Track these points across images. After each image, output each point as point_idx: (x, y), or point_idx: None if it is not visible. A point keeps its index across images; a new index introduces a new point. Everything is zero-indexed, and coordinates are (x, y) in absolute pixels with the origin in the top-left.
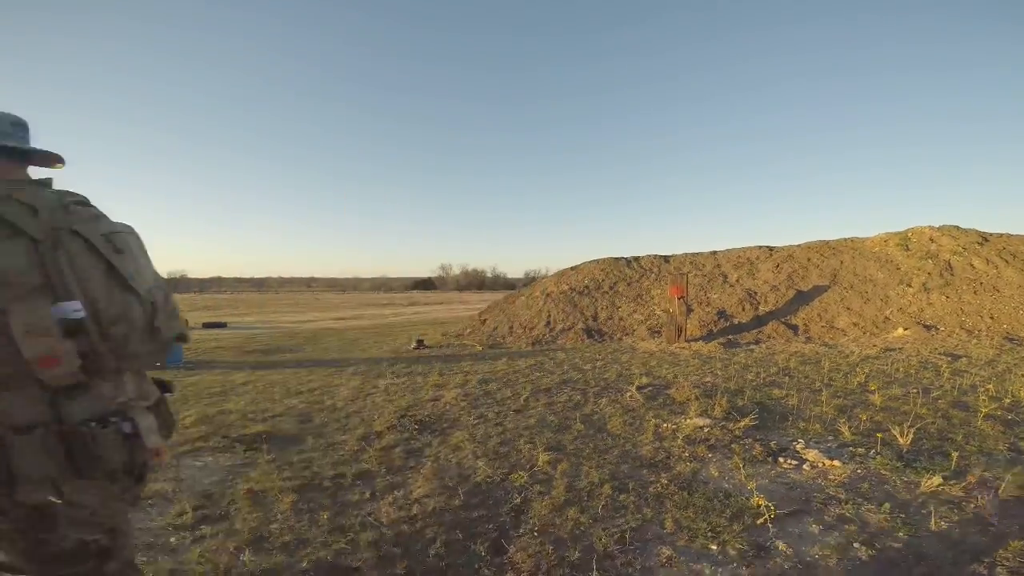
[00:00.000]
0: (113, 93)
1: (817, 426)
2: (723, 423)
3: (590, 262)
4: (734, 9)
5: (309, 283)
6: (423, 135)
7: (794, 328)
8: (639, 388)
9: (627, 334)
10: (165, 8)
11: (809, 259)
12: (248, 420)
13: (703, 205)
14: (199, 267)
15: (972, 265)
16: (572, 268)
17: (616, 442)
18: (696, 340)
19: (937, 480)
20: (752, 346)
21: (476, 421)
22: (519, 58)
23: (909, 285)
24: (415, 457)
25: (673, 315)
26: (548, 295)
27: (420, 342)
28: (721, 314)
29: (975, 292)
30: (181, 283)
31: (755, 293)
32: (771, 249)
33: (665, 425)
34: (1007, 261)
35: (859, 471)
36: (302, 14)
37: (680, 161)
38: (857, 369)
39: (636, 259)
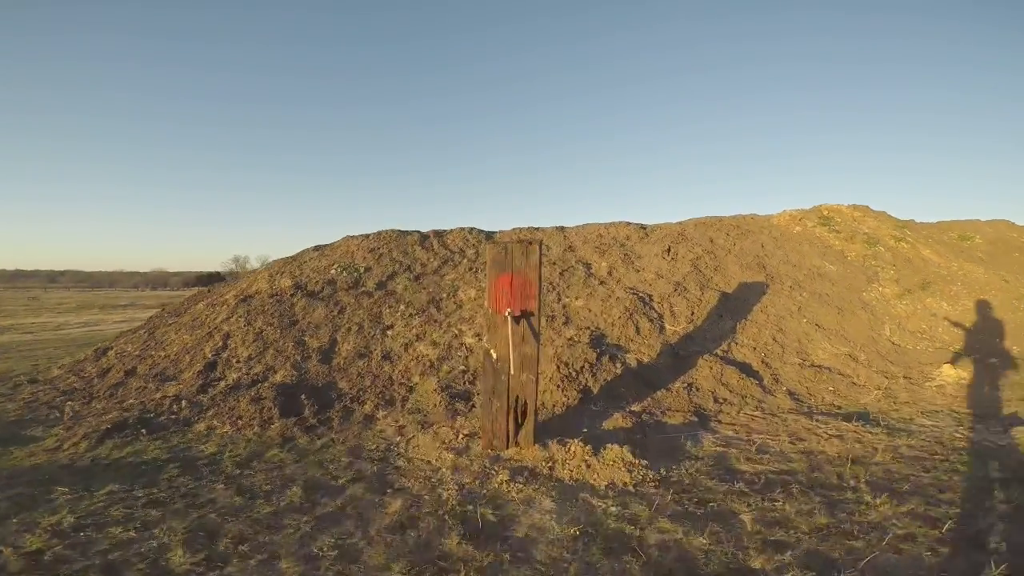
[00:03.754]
0: None
1: None
2: None
3: (355, 237)
4: None
5: (54, 277)
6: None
7: (747, 369)
8: None
9: (389, 403)
10: None
11: (713, 241)
12: None
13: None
14: None
15: (924, 257)
16: (316, 248)
17: None
18: (564, 439)
19: None
20: (701, 439)
21: None
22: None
23: (877, 282)
24: None
25: (502, 361)
26: (246, 299)
27: None
28: (597, 343)
29: (969, 294)
30: None
31: (648, 298)
32: (644, 227)
33: None
34: (953, 252)
35: None
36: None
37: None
38: None
39: (439, 235)
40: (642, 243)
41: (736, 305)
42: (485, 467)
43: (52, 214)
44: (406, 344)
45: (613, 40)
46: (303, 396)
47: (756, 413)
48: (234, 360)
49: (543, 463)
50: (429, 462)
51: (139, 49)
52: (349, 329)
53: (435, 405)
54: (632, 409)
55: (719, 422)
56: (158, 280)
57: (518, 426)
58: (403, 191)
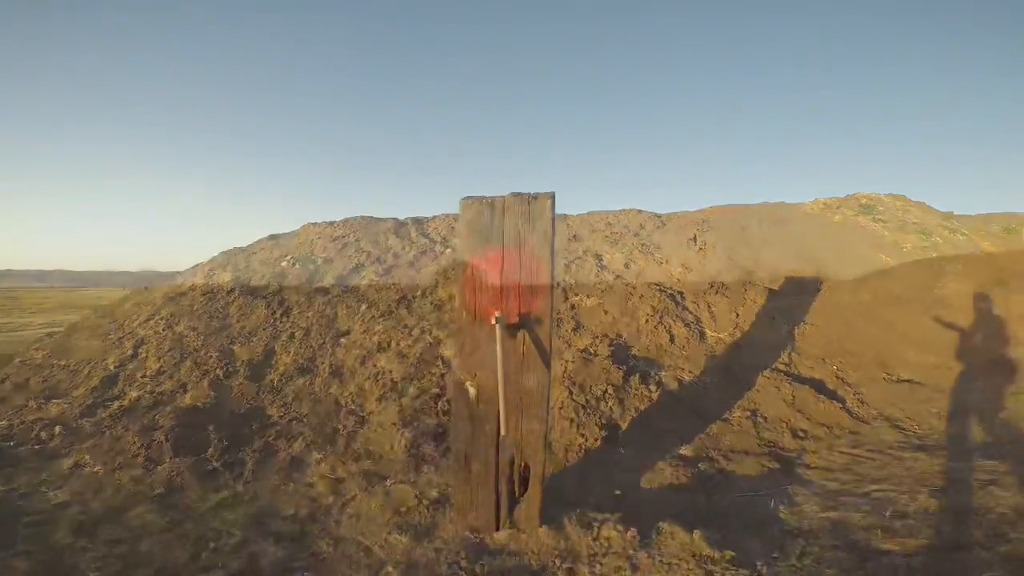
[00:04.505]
0: None
1: None
2: None
3: (317, 224)
4: None
5: (42, 276)
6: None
7: (821, 388)
8: None
9: (329, 441)
10: None
11: (745, 230)
12: None
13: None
14: None
15: (985, 250)
16: (271, 237)
17: None
18: (586, 512)
19: None
20: (796, 498)
21: None
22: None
23: (945, 277)
24: None
25: (486, 401)
26: (175, 297)
27: None
28: (621, 356)
29: None
30: None
31: (680, 296)
32: (659, 215)
33: None
34: (1010, 246)
35: None
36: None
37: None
38: None
39: (418, 222)
40: (659, 232)
41: (788, 304)
42: (458, 568)
43: (50, 214)
44: (363, 356)
45: (607, 43)
46: (212, 427)
47: (856, 451)
48: (139, 374)
49: (556, 559)
50: (369, 550)
51: (138, 47)
52: (292, 336)
53: (392, 447)
54: (682, 453)
55: (808, 467)
56: (146, 279)
57: (514, 498)
58: (403, 191)
